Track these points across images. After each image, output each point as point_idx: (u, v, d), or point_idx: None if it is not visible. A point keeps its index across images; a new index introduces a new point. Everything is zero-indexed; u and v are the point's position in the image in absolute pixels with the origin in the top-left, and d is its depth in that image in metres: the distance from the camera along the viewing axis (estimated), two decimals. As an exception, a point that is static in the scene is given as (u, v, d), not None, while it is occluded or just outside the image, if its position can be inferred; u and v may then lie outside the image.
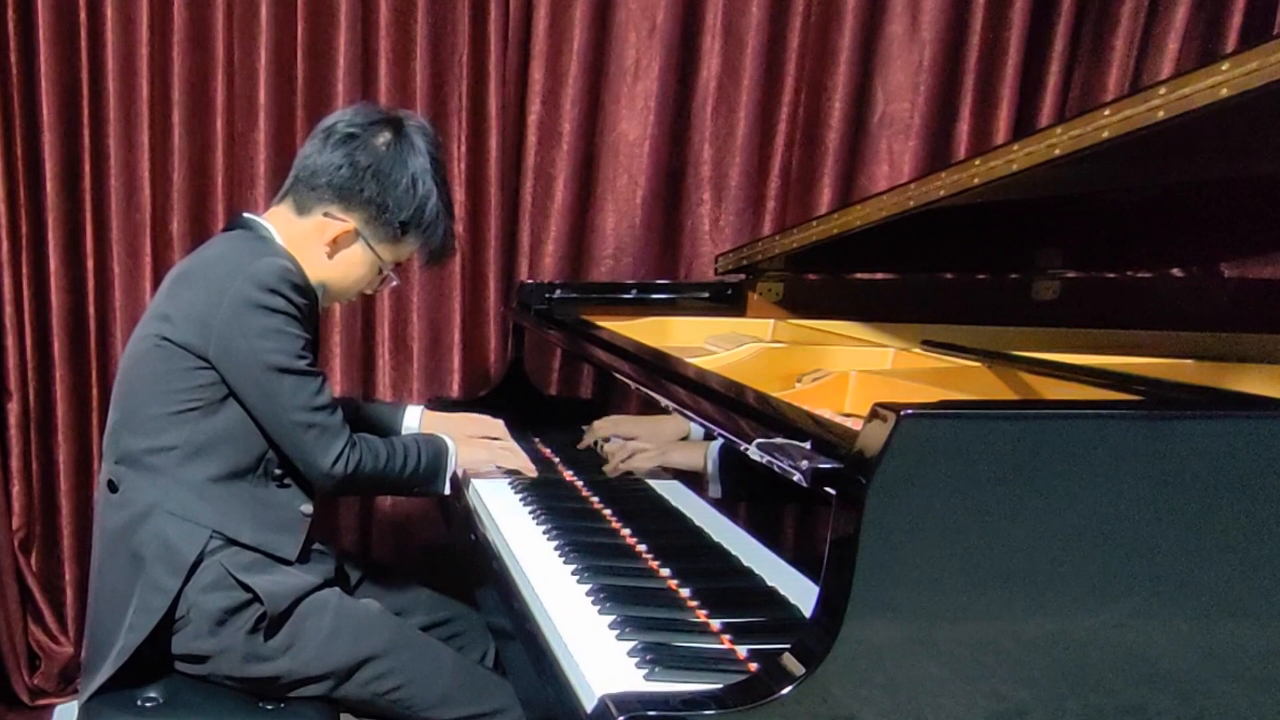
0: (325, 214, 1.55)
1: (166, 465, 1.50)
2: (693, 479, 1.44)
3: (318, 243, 1.56)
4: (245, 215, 1.61)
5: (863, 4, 2.21)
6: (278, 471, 1.55)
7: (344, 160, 1.53)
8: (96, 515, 1.62)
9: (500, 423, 1.78)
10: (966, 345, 1.55)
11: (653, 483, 1.56)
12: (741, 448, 1.08)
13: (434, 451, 1.62)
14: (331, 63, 2.17)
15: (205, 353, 1.47)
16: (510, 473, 1.73)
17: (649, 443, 1.56)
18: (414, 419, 1.80)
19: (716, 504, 1.36)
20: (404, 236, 1.58)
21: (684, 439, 1.45)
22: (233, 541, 1.51)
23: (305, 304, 1.49)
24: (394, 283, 1.68)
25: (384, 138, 1.54)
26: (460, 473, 1.70)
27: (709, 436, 1.37)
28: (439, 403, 2.20)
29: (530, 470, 1.71)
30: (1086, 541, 0.92)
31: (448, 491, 1.65)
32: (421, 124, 1.59)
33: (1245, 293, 1.96)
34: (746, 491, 1.32)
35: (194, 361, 1.48)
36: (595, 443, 1.73)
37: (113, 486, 1.55)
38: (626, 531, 1.49)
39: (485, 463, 1.71)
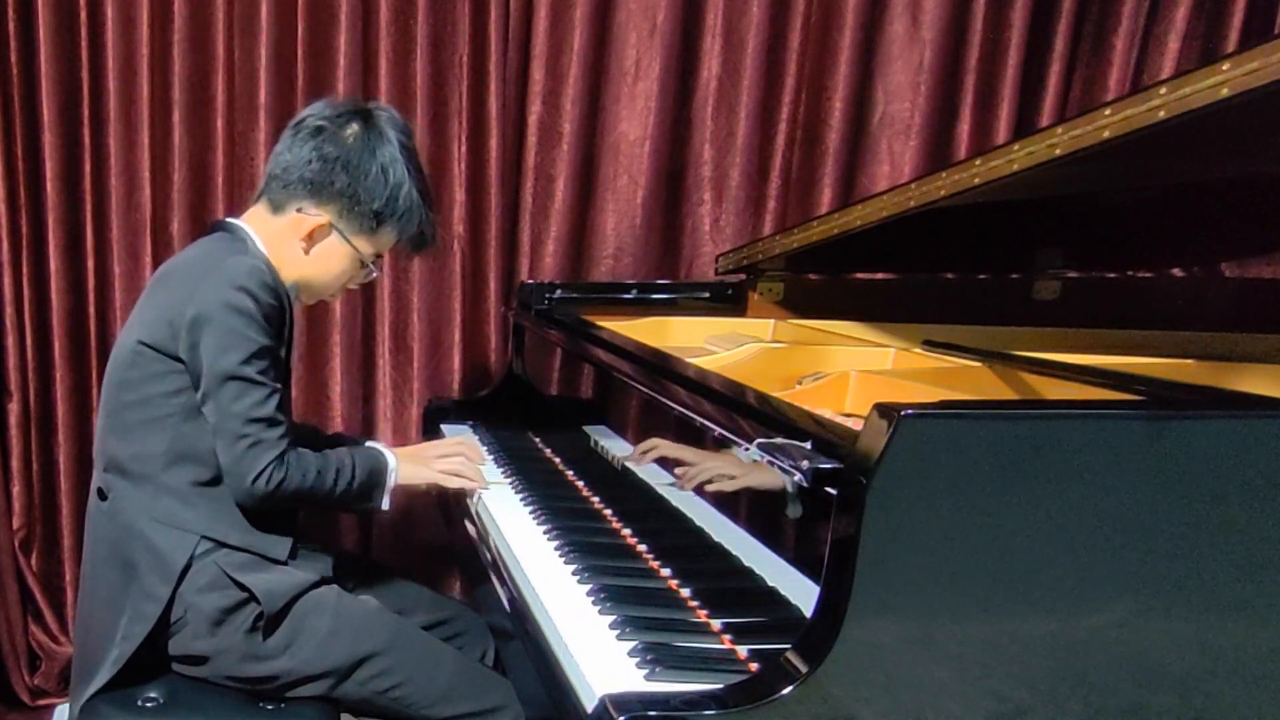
0: (298, 209, 1.54)
1: (151, 472, 1.50)
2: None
3: (293, 239, 1.55)
4: (225, 219, 1.61)
5: (863, 4, 2.21)
6: None
7: (313, 154, 1.52)
8: (88, 523, 1.62)
9: (466, 441, 1.75)
10: (967, 345, 1.55)
11: (652, 481, 1.56)
12: (742, 448, 1.08)
13: (370, 468, 1.58)
14: (331, 63, 2.17)
15: (177, 352, 1.46)
16: (512, 474, 1.73)
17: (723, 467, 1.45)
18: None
19: (717, 504, 1.36)
20: (380, 227, 1.56)
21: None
22: (222, 544, 1.50)
23: (273, 305, 1.47)
24: (374, 274, 1.65)
25: (352, 129, 1.53)
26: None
27: None
28: (439, 403, 2.20)
29: (478, 485, 1.66)
30: (1087, 541, 0.92)
31: (386, 508, 1.61)
32: (392, 114, 1.58)
33: (1245, 293, 1.96)
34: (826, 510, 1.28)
35: (168, 365, 1.47)
36: (598, 446, 1.73)
37: (102, 495, 1.55)
38: (627, 531, 1.49)
39: (426, 479, 1.66)
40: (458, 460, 1.68)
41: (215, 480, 1.50)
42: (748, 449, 1.06)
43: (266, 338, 1.46)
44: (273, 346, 1.48)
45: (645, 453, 1.54)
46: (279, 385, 1.50)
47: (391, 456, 1.62)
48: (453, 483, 1.66)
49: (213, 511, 1.50)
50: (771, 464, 1.01)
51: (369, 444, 1.68)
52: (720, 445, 1.28)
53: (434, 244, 1.65)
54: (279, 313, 1.49)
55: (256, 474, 1.45)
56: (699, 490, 1.37)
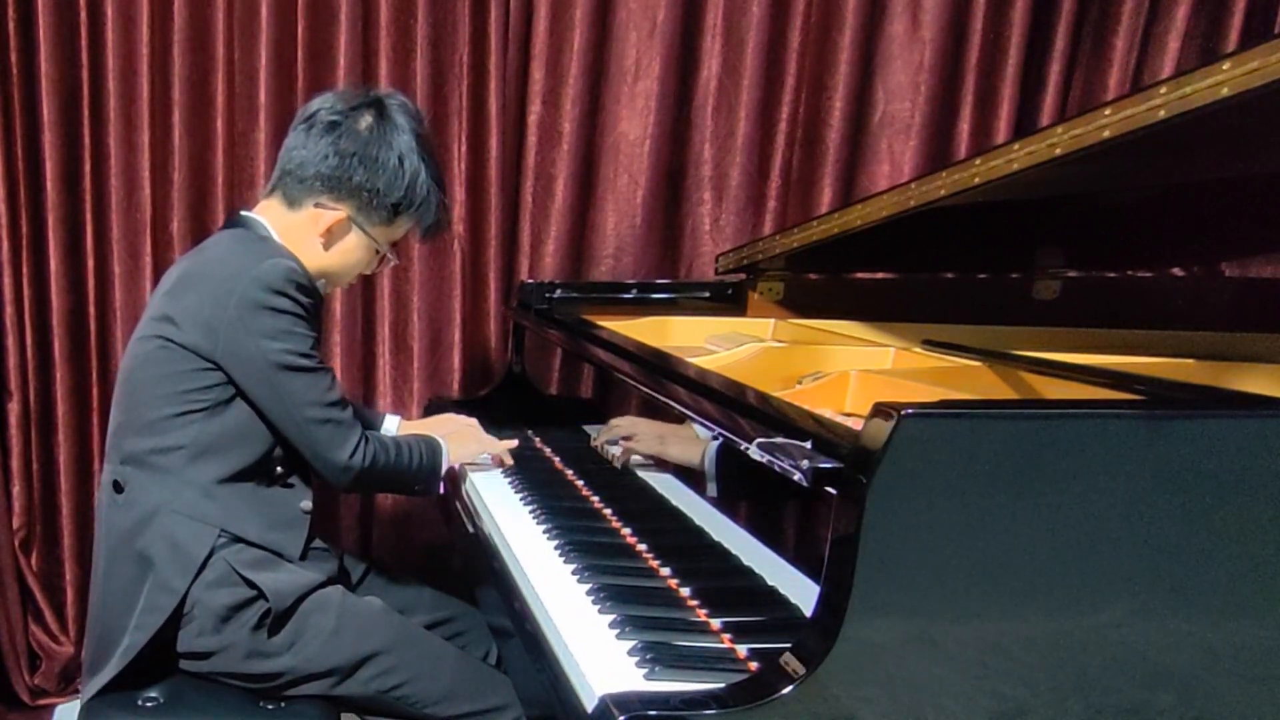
0: (316, 205, 1.55)
1: (173, 465, 1.51)
2: (693, 477, 1.44)
3: (312, 234, 1.56)
4: (242, 213, 1.61)
5: (863, 4, 2.21)
6: (279, 470, 1.56)
7: (329, 149, 1.53)
8: (100, 516, 1.62)
9: (474, 421, 1.81)
10: (967, 345, 1.55)
11: (651, 480, 1.56)
12: (742, 447, 1.08)
13: (431, 450, 1.63)
14: (331, 63, 2.17)
15: (213, 355, 1.47)
16: (512, 473, 1.73)
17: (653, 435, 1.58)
18: (391, 426, 1.83)
19: (716, 502, 1.36)
20: (397, 217, 1.58)
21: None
22: (239, 539, 1.51)
23: (311, 303, 1.49)
24: (394, 262, 1.68)
25: (366, 121, 1.54)
26: (458, 466, 1.70)
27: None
28: (439, 403, 2.20)
29: (507, 458, 1.74)
30: (1087, 541, 0.92)
31: (441, 491, 1.66)
32: (403, 101, 1.59)
33: (1245, 293, 1.96)
34: (744, 491, 1.32)
35: (200, 363, 1.48)
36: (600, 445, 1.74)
37: (118, 487, 1.55)
38: (626, 531, 1.49)
39: (475, 454, 1.73)
40: (489, 437, 1.76)
41: (237, 476, 1.52)
42: (748, 448, 1.06)
43: (312, 330, 1.50)
44: (318, 338, 1.52)
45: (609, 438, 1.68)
46: (333, 371, 1.53)
47: (441, 440, 1.66)
48: (495, 447, 1.73)
49: (232, 506, 1.52)
50: (772, 464, 1.01)
51: (388, 416, 1.82)
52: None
53: (448, 230, 1.67)
54: (316, 308, 1.53)
55: (350, 451, 1.50)
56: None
